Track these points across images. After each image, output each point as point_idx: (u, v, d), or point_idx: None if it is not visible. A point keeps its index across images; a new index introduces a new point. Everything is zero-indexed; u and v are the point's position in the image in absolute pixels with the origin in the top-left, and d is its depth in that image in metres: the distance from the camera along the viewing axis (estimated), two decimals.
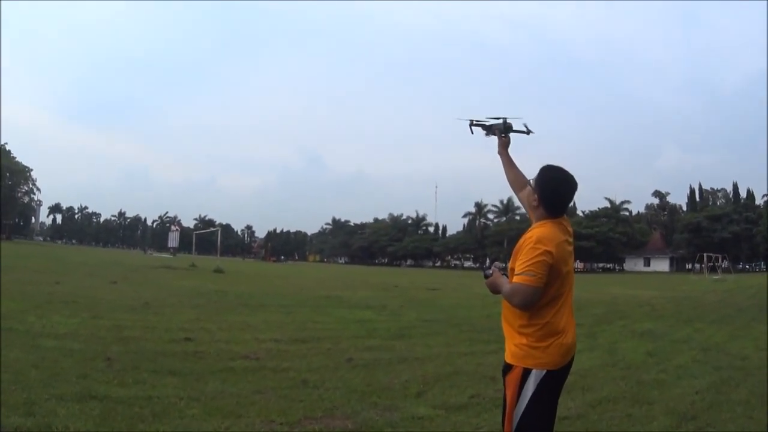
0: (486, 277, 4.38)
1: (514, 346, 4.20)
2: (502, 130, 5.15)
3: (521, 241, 4.25)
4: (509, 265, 4.36)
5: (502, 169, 5.18)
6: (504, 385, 4.25)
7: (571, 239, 4.42)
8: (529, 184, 4.62)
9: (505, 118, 5.17)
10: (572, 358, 4.29)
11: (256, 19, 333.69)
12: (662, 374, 10.50)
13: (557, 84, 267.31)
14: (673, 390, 9.31)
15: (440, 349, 12.58)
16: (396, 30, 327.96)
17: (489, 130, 5.28)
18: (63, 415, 6.65)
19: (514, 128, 5.18)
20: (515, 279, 4.09)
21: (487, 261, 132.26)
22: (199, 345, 11.72)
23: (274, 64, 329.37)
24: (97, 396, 7.50)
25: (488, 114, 5.31)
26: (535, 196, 4.38)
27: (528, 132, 5.25)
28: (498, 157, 5.20)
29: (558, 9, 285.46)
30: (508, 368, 4.21)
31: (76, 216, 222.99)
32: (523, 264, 4.06)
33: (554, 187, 4.34)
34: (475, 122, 5.39)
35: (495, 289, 4.32)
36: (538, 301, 4.05)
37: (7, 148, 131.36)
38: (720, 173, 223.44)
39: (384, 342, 13.23)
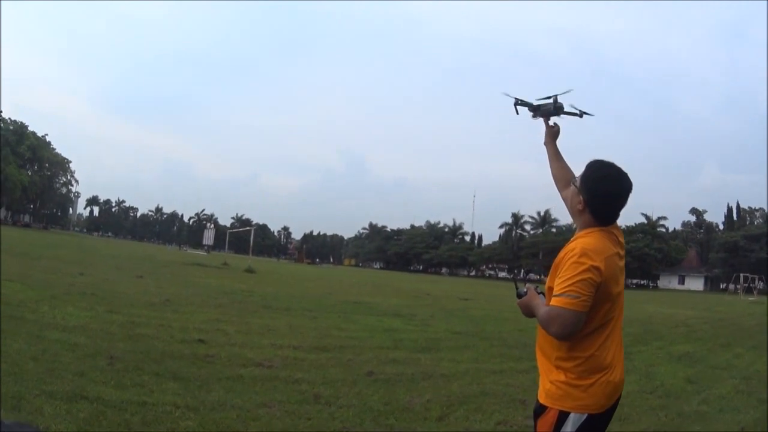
0: (519, 296, 3.64)
1: (549, 383, 3.48)
2: (551, 111, 4.46)
3: (562, 253, 3.52)
4: (547, 283, 3.63)
5: (548, 161, 4.49)
6: (535, 428, 3.54)
7: (623, 252, 3.65)
8: (573, 183, 3.81)
9: (556, 96, 4.48)
10: (619, 397, 3.55)
11: (307, 20, 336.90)
12: (704, 405, 9.84)
13: (600, 96, 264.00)
14: (716, 425, 8.70)
15: (468, 365, 11.93)
16: (444, 37, 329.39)
17: (536, 110, 4.60)
18: (49, 413, 6.34)
19: (565, 109, 4.49)
20: (553, 301, 3.34)
21: (521, 272, 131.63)
22: (211, 348, 11.22)
23: (322, 66, 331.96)
24: (88, 396, 7.15)
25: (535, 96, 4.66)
26: (580, 198, 3.64)
27: (581, 115, 4.57)
28: (541, 150, 4.51)
29: (603, 22, 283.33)
30: (541, 410, 3.50)
31: (114, 209, 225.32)
32: (563, 283, 3.33)
33: (604, 190, 3.57)
34: (521, 101, 4.72)
35: (529, 312, 3.60)
36: (581, 329, 3.34)
37: (48, 139, 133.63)
38: (758, 193, 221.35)
39: (409, 355, 12.56)
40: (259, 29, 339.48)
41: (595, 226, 3.58)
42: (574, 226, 3.78)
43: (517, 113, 4.73)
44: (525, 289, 3.67)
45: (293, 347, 12.14)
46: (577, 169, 3.79)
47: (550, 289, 3.49)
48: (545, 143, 4.53)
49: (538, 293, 3.64)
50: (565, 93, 4.52)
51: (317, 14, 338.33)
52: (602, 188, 3.58)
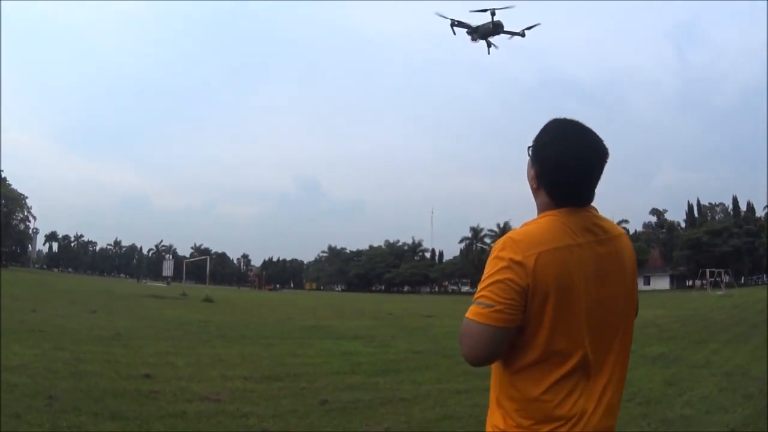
0: None
1: (489, 427, 2.54)
2: (490, 31, 3.62)
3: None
4: None
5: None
6: None
7: (599, 245, 2.50)
8: (528, 152, 2.68)
9: (493, 11, 3.63)
10: None
11: (255, 48, 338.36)
12: (687, 408, 9.36)
13: (552, 105, 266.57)
14: (704, 428, 8.24)
15: (430, 386, 11.33)
16: (395, 57, 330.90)
17: (475, 32, 3.77)
18: None
19: (504, 28, 3.64)
20: (467, 312, 2.43)
21: None
22: (157, 383, 10.57)
23: (273, 93, 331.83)
24: None
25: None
26: (533, 172, 2.62)
27: (523, 33, 3.76)
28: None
29: (553, 31, 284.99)
30: None
31: (72, 244, 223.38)
32: (479, 286, 2.45)
33: (558, 153, 2.52)
34: (457, 22, 3.87)
35: None
36: (515, 359, 2.42)
37: (3, 175, 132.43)
38: (718, 188, 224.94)
39: (367, 379, 11.96)
40: (207, 59, 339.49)
41: (553, 208, 2.55)
42: None
43: (454, 34, 3.88)
44: None
45: (244, 378, 11.54)
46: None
47: None
48: None
49: None
50: (504, 8, 3.64)
51: (265, 40, 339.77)
52: (556, 154, 2.54)
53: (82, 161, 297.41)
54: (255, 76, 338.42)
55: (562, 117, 2.65)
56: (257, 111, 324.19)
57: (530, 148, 2.67)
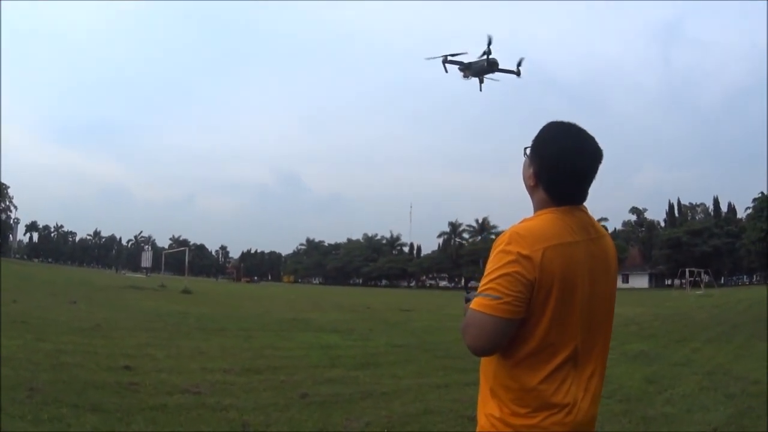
0: (467, 301, 2.64)
1: (484, 416, 2.59)
2: (484, 69, 3.59)
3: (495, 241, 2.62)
4: None
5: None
6: None
7: (592, 244, 2.62)
8: (525, 152, 2.81)
9: (489, 50, 3.60)
10: None
11: (235, 41, 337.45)
12: (669, 407, 9.38)
13: (533, 103, 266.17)
14: (686, 427, 8.30)
15: (410, 380, 11.33)
16: (375, 51, 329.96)
17: (468, 68, 3.73)
18: None
19: (499, 66, 3.61)
20: (472, 303, 2.49)
21: (463, 281, 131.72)
22: (137, 375, 10.48)
23: (253, 85, 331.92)
24: None
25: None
26: (531, 171, 2.71)
27: (518, 72, 3.72)
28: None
29: (534, 29, 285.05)
30: None
31: (53, 234, 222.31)
32: (484, 279, 2.48)
33: (558, 155, 2.62)
34: (450, 59, 3.83)
35: None
36: (515, 350, 2.49)
37: None
38: (699, 189, 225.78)
39: (347, 372, 11.95)
40: (187, 51, 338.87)
41: (551, 206, 2.65)
42: None
43: (446, 71, 3.83)
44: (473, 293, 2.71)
45: (223, 370, 11.47)
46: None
47: None
48: None
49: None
50: (489, 43, 3.62)
51: (244, 33, 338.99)
52: (555, 153, 2.64)
53: (63, 152, 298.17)
54: (236, 69, 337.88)
55: (558, 120, 2.76)
56: (238, 104, 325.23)
57: (527, 148, 2.78)
